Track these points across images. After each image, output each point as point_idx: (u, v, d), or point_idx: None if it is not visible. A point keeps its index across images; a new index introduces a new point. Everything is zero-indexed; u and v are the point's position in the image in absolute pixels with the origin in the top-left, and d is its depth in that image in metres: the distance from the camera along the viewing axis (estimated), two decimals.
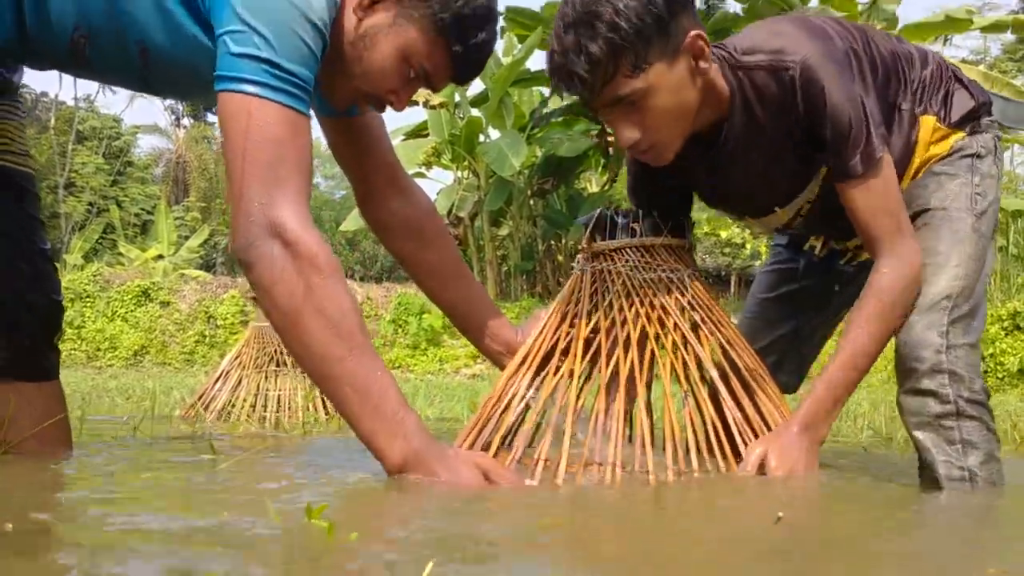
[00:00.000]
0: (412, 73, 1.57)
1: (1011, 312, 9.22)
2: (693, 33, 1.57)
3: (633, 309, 1.70)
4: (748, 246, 16.04)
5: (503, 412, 1.69)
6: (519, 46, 13.77)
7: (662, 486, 1.53)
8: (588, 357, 1.70)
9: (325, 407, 3.49)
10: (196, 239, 20.89)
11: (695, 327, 1.72)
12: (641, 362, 1.67)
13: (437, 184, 16.02)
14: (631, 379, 1.66)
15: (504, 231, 16.04)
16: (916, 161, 1.83)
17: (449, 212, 14.39)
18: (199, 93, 1.63)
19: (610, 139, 13.66)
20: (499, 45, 15.58)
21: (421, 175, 14.73)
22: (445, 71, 1.59)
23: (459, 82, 1.66)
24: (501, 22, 14.10)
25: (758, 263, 16.14)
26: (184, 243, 20.91)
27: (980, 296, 1.75)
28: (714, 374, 1.68)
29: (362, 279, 21.61)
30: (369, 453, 1.45)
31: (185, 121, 35.28)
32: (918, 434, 1.69)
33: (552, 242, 15.56)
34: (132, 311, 14.39)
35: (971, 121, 1.84)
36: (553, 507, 1.37)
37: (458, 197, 14.88)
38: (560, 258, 15.38)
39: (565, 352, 1.73)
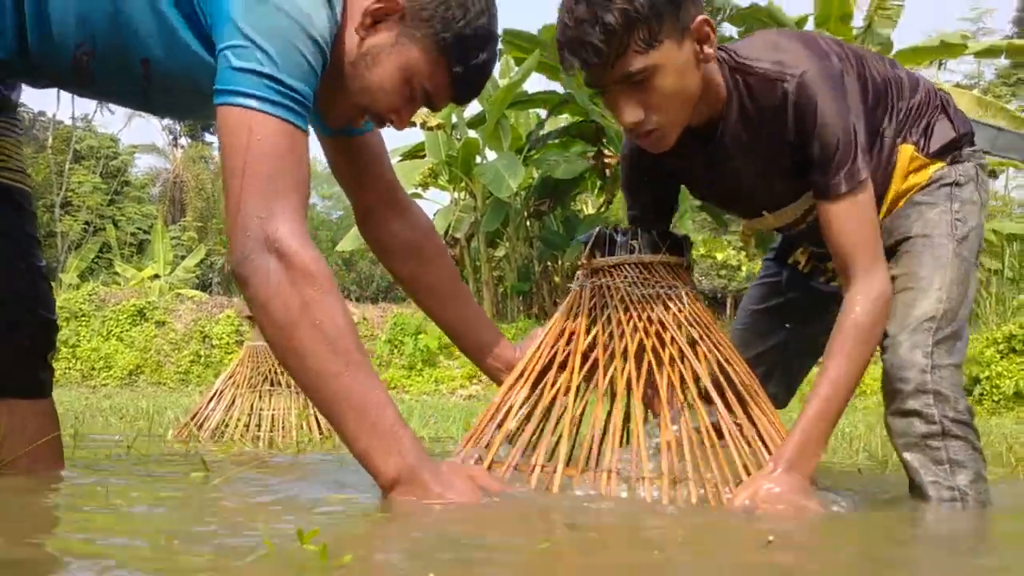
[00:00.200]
0: (413, 93, 1.58)
1: (1007, 335, 9.22)
2: (700, 18, 1.59)
3: (631, 323, 1.71)
4: (744, 268, 16.06)
5: (500, 423, 1.69)
6: (516, 68, 13.83)
7: (656, 506, 1.52)
8: (586, 369, 1.70)
9: (319, 426, 3.47)
10: (192, 259, 20.86)
11: (693, 343, 1.72)
12: (639, 374, 1.67)
13: (434, 205, 16.06)
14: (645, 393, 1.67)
15: (501, 252, 16.05)
16: (892, 189, 1.85)
17: (446, 233, 14.40)
18: (200, 109, 1.63)
19: (607, 160, 13.71)
20: (497, 67, 15.65)
21: (418, 196, 14.74)
22: (446, 91, 1.60)
23: (460, 102, 1.67)
24: (499, 44, 14.15)
25: (750, 285, 16.15)
26: (180, 263, 20.89)
27: (963, 319, 1.77)
28: (710, 388, 1.68)
29: (358, 299, 21.59)
30: (362, 471, 1.44)
31: (183, 141, 35.33)
32: (906, 455, 1.72)
33: (549, 263, 15.56)
34: (127, 330, 14.36)
35: (951, 152, 1.86)
36: (550, 528, 1.36)
37: (455, 218, 14.90)
38: (557, 279, 15.38)
39: (563, 366, 1.73)
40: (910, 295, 1.75)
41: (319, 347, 1.36)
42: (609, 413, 1.68)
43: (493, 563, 1.04)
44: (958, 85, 18.69)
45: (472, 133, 14.58)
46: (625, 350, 1.68)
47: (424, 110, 1.65)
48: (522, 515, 1.44)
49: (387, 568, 0.99)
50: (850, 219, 1.65)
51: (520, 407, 1.70)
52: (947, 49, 12.70)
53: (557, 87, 14.00)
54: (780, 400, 2.20)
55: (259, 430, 3.40)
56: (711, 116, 1.73)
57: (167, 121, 33.89)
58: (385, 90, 1.55)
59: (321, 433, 3.42)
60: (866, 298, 1.64)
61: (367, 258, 27.94)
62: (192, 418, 3.53)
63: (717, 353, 1.72)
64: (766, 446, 1.64)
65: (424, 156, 14.92)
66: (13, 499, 1.55)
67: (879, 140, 1.82)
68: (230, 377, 3.61)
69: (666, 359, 1.67)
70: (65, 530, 1.25)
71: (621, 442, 1.67)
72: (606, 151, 13.76)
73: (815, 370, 2.06)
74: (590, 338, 1.73)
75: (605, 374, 1.68)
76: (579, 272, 1.85)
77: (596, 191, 15.92)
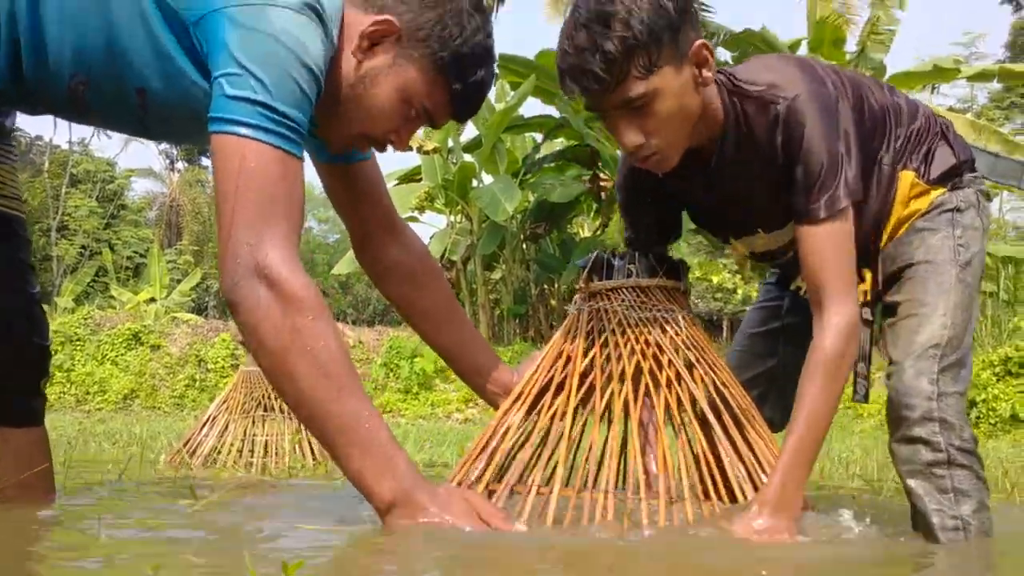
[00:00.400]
0: (413, 112, 1.58)
1: (1002, 358, 9.21)
2: (699, 42, 1.60)
3: (628, 345, 1.71)
4: (739, 291, 16.06)
5: (496, 446, 1.68)
6: (512, 93, 13.89)
7: (652, 537, 1.50)
8: (583, 391, 1.70)
9: (312, 452, 3.46)
10: (188, 282, 20.83)
11: (690, 366, 1.72)
12: (635, 396, 1.67)
13: (430, 228, 16.10)
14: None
15: (497, 275, 16.06)
16: (894, 217, 1.85)
17: (442, 256, 14.40)
18: (197, 135, 1.63)
19: (602, 184, 13.75)
20: (492, 92, 15.74)
21: (414, 219, 14.77)
22: (445, 109, 1.61)
23: (459, 119, 1.68)
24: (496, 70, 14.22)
25: (749, 308, 16.14)
26: (176, 286, 20.86)
27: (968, 346, 1.76)
28: (707, 410, 1.68)
29: (354, 322, 21.53)
30: (351, 500, 1.43)
31: (179, 165, 35.41)
32: (911, 482, 1.70)
33: (545, 286, 15.56)
34: (122, 354, 14.31)
35: (952, 178, 1.85)
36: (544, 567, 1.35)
37: (451, 241, 14.91)
38: (553, 302, 15.38)
39: (560, 387, 1.73)
40: (914, 321, 1.75)
41: (311, 372, 1.36)
42: (606, 436, 1.67)
43: None
44: (952, 109, 18.81)
45: (468, 157, 14.62)
46: (623, 372, 1.68)
47: (420, 134, 1.66)
48: (517, 554, 1.42)
49: None
50: (826, 246, 1.64)
51: (517, 429, 1.69)
52: (940, 73, 12.78)
53: (553, 111, 14.07)
54: (776, 424, 2.19)
55: (252, 456, 3.39)
56: (710, 138, 1.74)
57: (164, 145, 34.00)
58: (385, 111, 1.56)
59: (315, 459, 3.41)
60: (834, 330, 1.62)
61: (363, 281, 27.92)
62: (185, 444, 3.51)
63: (714, 376, 1.72)
64: (763, 468, 1.63)
65: (420, 180, 14.95)
66: (1, 528, 1.54)
67: (877, 168, 1.82)
68: (223, 402, 3.60)
69: (663, 381, 1.67)
70: (53, 559, 1.24)
71: (619, 466, 1.66)
72: (601, 175, 13.80)
73: None
74: (587, 360, 1.73)
75: (602, 396, 1.68)
76: (577, 296, 1.86)
77: (592, 214, 15.95)
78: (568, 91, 1.59)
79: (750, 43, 11.88)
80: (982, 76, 13.43)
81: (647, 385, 1.67)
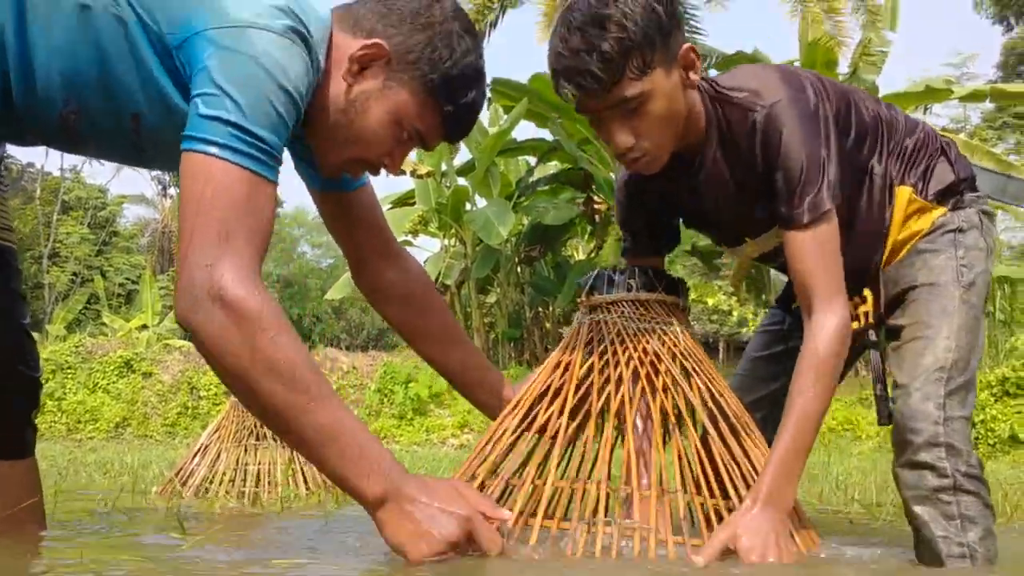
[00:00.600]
0: (405, 135, 1.58)
1: (1000, 378, 9.22)
2: (686, 46, 1.64)
3: (626, 353, 1.72)
4: (735, 313, 16.09)
5: (492, 448, 1.69)
6: (505, 116, 13.95)
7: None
8: (580, 393, 1.71)
9: (305, 481, 3.42)
10: None
11: (687, 374, 1.73)
12: (631, 399, 1.67)
13: (424, 252, 16.14)
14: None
15: (491, 299, 16.07)
16: (894, 232, 1.84)
17: (436, 280, 14.40)
18: None
19: (596, 206, 13.78)
20: (485, 116, 15.82)
21: (408, 243, 14.79)
22: (437, 131, 1.61)
23: (451, 140, 1.68)
24: (487, 93, 14.30)
25: (745, 330, 16.17)
26: (169, 313, 20.80)
27: (974, 369, 1.74)
28: (704, 417, 1.68)
29: (348, 348, 21.48)
30: (341, 533, 1.40)
31: (172, 191, 35.44)
32: (916, 508, 1.67)
33: (540, 309, 15.57)
34: (114, 382, 14.22)
35: (952, 196, 1.84)
36: None
37: (445, 265, 14.93)
38: (548, 325, 15.38)
39: (557, 393, 1.74)
40: (919, 344, 1.73)
41: (279, 389, 1.32)
42: (601, 432, 1.67)
43: None
44: (945, 129, 18.95)
45: (462, 181, 14.67)
46: (620, 377, 1.69)
47: (413, 158, 1.64)
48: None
49: None
50: (812, 249, 1.64)
51: (512, 432, 1.70)
52: (932, 94, 12.89)
53: (546, 135, 14.13)
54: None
55: (244, 485, 3.34)
56: (694, 143, 1.76)
57: (156, 172, 34.04)
58: (377, 135, 1.55)
59: (308, 489, 3.36)
60: (824, 332, 1.62)
61: (357, 306, 27.94)
62: (176, 473, 3.47)
63: (710, 385, 1.72)
64: (757, 473, 1.62)
65: (414, 203, 14.99)
66: None
67: (868, 178, 1.82)
68: (215, 431, 3.56)
69: (659, 386, 1.68)
70: None
71: (610, 458, 1.65)
72: (595, 197, 13.85)
73: None
74: (585, 367, 1.74)
75: (599, 398, 1.69)
76: (578, 313, 1.88)
77: (586, 237, 16.00)
78: (562, 91, 1.62)
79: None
80: (974, 96, 13.55)
81: (643, 388, 1.68)
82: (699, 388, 1.70)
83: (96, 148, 1.64)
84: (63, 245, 27.23)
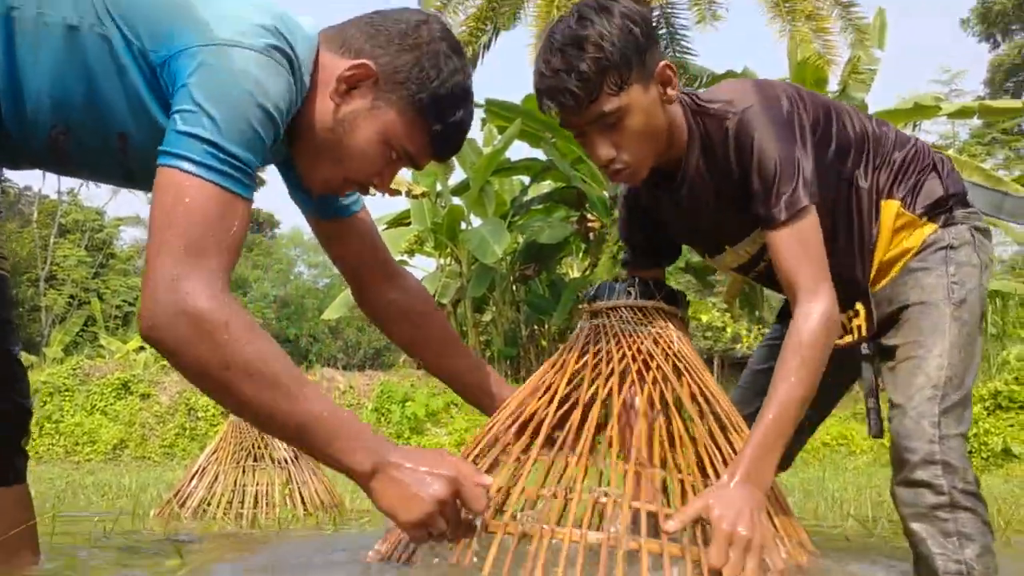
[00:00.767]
0: (394, 155, 1.58)
1: (992, 392, 9.24)
2: (663, 63, 1.68)
3: (621, 351, 1.75)
4: (729, 329, 16.10)
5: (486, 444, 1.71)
6: (499, 136, 14.00)
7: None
8: (571, 387, 1.73)
9: (303, 501, 3.43)
10: None
11: (678, 373, 1.74)
12: (620, 387, 1.69)
13: (420, 271, 16.11)
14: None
15: (487, 317, 16.07)
16: (882, 247, 1.85)
17: (432, 298, 14.40)
18: None
19: (590, 224, 13.82)
20: (480, 135, 15.89)
21: (404, 263, 14.78)
22: (426, 150, 1.61)
23: (440, 159, 1.68)
24: (481, 114, 14.36)
25: (739, 346, 16.16)
26: None
27: (969, 386, 1.74)
28: (693, 412, 1.69)
29: (345, 367, 21.44)
30: (341, 551, 1.42)
31: None
32: (914, 526, 1.68)
33: (535, 327, 15.57)
34: (111, 404, 14.19)
35: (941, 211, 1.85)
36: None
37: (441, 284, 14.94)
38: (544, 343, 15.37)
39: (548, 388, 1.76)
40: (912, 363, 1.74)
41: (257, 391, 1.33)
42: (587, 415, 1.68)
43: None
44: (934, 146, 18.98)
45: (457, 200, 14.70)
46: (611, 371, 1.71)
47: (408, 178, 1.67)
48: None
49: None
50: (792, 245, 1.64)
51: (507, 420, 1.72)
52: (921, 111, 12.96)
53: (540, 154, 14.17)
54: (782, 463, 2.16)
55: (242, 506, 3.36)
56: (677, 156, 1.80)
57: (151, 193, 33.94)
58: (366, 155, 1.56)
59: (306, 510, 3.38)
60: (810, 319, 1.60)
61: (353, 326, 27.88)
62: (174, 495, 3.48)
63: (701, 383, 1.73)
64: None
65: (409, 223, 15.01)
66: None
67: (852, 191, 1.83)
68: (213, 453, 3.58)
69: (649, 379, 1.69)
70: None
71: (594, 439, 1.66)
72: (589, 216, 13.89)
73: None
74: (579, 365, 1.76)
75: (588, 387, 1.71)
76: (580, 321, 1.91)
77: (581, 255, 16.02)
78: (545, 108, 1.68)
79: None
80: (962, 113, 13.63)
81: (633, 381, 1.69)
82: (689, 384, 1.71)
83: (86, 170, 1.65)
84: (60, 268, 27.17)
